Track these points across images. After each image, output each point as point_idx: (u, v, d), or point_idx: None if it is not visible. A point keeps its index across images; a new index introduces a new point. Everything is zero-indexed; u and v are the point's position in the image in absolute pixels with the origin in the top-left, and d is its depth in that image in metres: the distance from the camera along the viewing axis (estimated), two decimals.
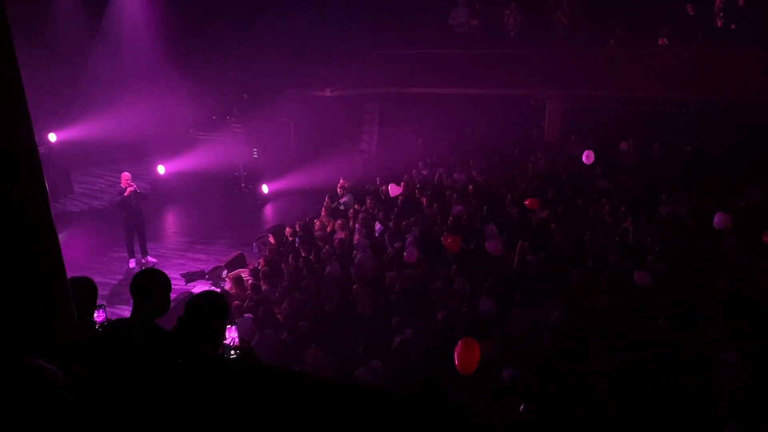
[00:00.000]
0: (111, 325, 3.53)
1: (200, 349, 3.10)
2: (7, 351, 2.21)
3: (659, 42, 13.78)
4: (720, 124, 13.64)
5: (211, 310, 3.19)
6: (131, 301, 3.27)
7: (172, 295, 3.43)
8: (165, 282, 3.33)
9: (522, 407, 6.04)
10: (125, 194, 11.30)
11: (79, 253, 11.59)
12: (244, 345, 3.26)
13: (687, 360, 6.89)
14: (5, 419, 1.55)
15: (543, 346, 7.40)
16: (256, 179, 15.60)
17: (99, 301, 3.74)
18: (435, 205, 11.53)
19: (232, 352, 3.29)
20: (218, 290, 9.89)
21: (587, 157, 12.14)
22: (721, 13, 12.96)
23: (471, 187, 12.13)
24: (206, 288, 10.61)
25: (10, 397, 1.56)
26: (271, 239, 11.25)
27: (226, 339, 3.35)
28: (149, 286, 3.27)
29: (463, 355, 6.45)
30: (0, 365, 1.62)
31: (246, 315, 8.65)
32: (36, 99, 2.38)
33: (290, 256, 10.17)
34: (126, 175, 11.49)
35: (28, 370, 1.63)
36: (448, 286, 8.96)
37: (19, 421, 1.56)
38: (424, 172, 13.84)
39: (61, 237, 2.54)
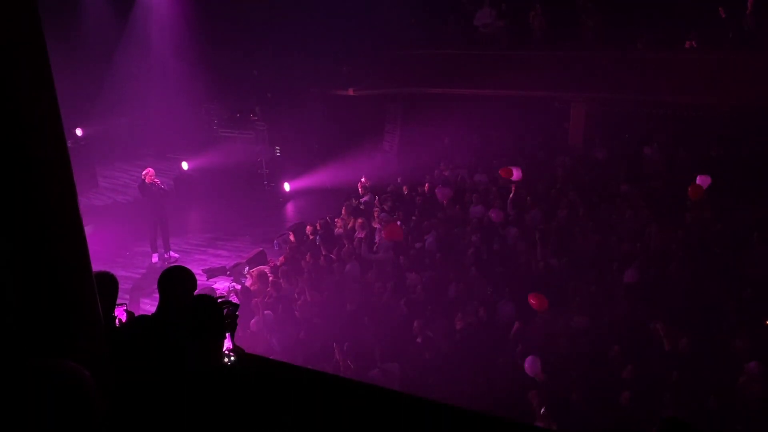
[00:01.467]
0: (133, 322, 3.54)
1: (200, 354, 3.02)
2: (36, 352, 2.21)
3: (686, 45, 13.57)
4: (747, 130, 13.38)
5: (202, 316, 3.00)
6: (154, 295, 3.30)
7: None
8: (190, 280, 3.35)
9: (543, 409, 5.98)
10: (146, 180, 11.50)
11: (102, 247, 11.71)
12: (237, 350, 3.19)
13: (710, 372, 6.76)
14: (36, 423, 1.54)
15: (564, 352, 7.32)
16: (278, 177, 15.67)
17: (121, 295, 3.74)
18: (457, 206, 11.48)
19: (225, 359, 3.19)
20: (239, 286, 9.93)
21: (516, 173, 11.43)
22: (751, 17, 12.72)
23: (495, 188, 12.04)
24: (227, 284, 10.68)
25: (41, 401, 1.55)
26: (292, 237, 11.28)
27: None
28: (175, 282, 3.29)
29: None
30: (30, 368, 1.60)
31: (266, 312, 8.70)
32: (63, 94, 2.39)
33: (310, 254, 10.19)
34: (150, 170, 11.63)
35: (58, 372, 1.61)
36: (467, 288, 8.90)
37: (50, 425, 1.55)
38: (446, 173, 13.78)
39: (86, 231, 2.53)
